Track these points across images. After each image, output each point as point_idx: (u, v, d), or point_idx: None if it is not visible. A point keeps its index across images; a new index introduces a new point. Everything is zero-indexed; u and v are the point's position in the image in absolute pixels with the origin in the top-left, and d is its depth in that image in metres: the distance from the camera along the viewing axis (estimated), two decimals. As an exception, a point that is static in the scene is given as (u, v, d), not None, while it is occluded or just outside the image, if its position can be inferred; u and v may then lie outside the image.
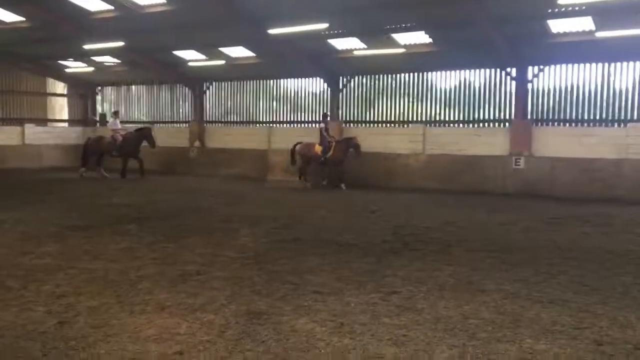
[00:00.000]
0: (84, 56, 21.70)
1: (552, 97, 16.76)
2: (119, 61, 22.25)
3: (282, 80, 21.55)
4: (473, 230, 9.44)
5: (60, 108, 26.15)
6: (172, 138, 21.88)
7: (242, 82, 22.11)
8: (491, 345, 4.05)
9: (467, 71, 17.66)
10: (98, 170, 18.98)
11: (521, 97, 16.47)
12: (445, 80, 18.30)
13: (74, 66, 23.79)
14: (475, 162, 16.56)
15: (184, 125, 23.17)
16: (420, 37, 16.11)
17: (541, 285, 5.78)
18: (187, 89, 23.02)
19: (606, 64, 15.65)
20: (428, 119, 18.64)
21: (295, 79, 21.01)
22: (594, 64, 15.77)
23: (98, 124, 25.76)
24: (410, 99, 18.96)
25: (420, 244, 7.97)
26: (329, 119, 17.97)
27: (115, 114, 20.31)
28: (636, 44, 13.92)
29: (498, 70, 16.92)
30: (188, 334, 4.18)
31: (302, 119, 21.11)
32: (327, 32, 15.79)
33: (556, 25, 14.26)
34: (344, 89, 19.67)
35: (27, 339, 4.08)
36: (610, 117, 15.84)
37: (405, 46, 16.61)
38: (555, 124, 16.65)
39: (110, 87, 26.08)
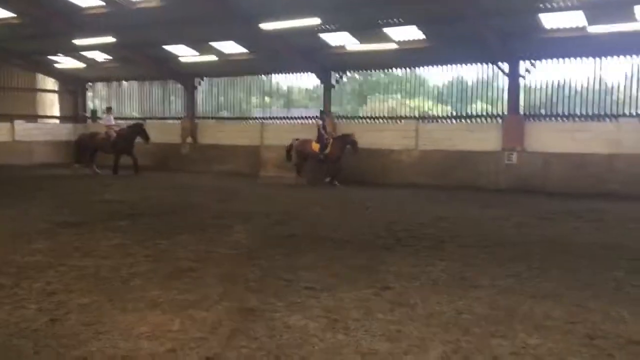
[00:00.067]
0: (75, 52, 21.55)
1: (544, 92, 16.83)
2: (110, 57, 22.11)
3: (274, 75, 21.50)
4: (466, 225, 9.45)
5: (51, 104, 25.97)
6: (164, 134, 21.77)
7: (234, 78, 22.04)
8: (485, 340, 4.05)
9: (460, 66, 17.68)
10: (90, 167, 18.88)
11: (513, 93, 16.53)
12: (438, 75, 18.32)
13: (65, 62, 23.62)
14: (468, 157, 16.59)
15: (176, 121, 23.07)
16: (412, 33, 16.11)
17: (534, 280, 5.79)
18: (178, 85, 22.92)
19: (598, 59, 15.73)
20: (421, 114, 18.67)
21: (288, 75, 20.97)
22: (585, 59, 15.83)
23: (89, 120, 25.66)
24: (403, 95, 18.97)
25: (413, 240, 7.97)
26: (326, 115, 17.92)
27: (109, 109, 20.15)
28: (627, 38, 13.99)
29: (490, 65, 16.95)
30: (181, 331, 4.15)
31: (295, 115, 21.08)
32: (319, 28, 15.76)
33: (548, 20, 14.29)
34: (337, 85, 19.64)
35: (19, 337, 4.04)
36: (602, 112, 15.92)
37: (397, 42, 16.60)
38: (548, 119, 16.72)
39: (101, 83, 25.94)
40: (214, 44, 19.10)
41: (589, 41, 14.43)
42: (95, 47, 20.19)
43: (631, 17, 13.28)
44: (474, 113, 17.89)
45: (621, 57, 15.42)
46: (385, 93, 19.36)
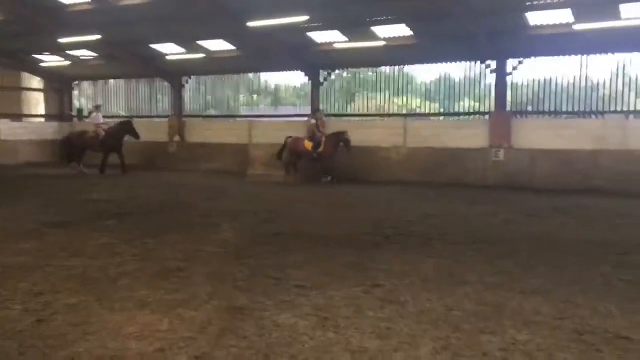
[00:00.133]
0: (60, 50, 21.34)
1: (531, 90, 16.94)
2: (96, 55, 21.92)
3: (262, 73, 21.45)
4: (454, 223, 9.48)
5: (37, 103, 25.69)
6: (151, 133, 21.59)
7: (222, 76, 21.96)
8: (475, 336, 4.06)
9: (448, 64, 17.74)
10: (80, 166, 18.78)
11: (500, 90, 16.62)
12: (425, 73, 18.38)
13: (50, 60, 23.39)
14: (455, 154, 16.66)
15: (164, 120, 22.93)
16: (401, 30, 16.12)
17: (522, 276, 5.82)
18: (166, 83, 22.78)
19: (584, 56, 15.86)
20: (409, 112, 18.71)
21: (276, 73, 20.93)
22: (572, 57, 15.95)
23: (75, 119, 25.44)
24: (391, 93, 19.01)
25: (402, 237, 7.99)
26: (319, 114, 17.88)
27: (98, 108, 19.92)
28: (613, 36, 14.10)
29: (478, 63, 17.02)
30: (169, 331, 4.13)
31: (283, 113, 21.05)
32: (307, 25, 15.73)
33: (535, 18, 14.37)
34: (325, 83, 19.62)
35: (4, 338, 3.99)
36: (588, 109, 16.06)
37: (385, 39, 16.61)
38: (535, 116, 16.84)
39: (87, 82, 25.72)
40: (202, 42, 19.00)
41: (574, 39, 14.53)
42: (81, 45, 19.99)
43: (616, 15, 13.38)
44: (462, 110, 17.97)
45: (607, 54, 15.57)
46: (373, 91, 19.37)
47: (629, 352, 3.80)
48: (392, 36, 16.50)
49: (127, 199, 12.07)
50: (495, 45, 15.58)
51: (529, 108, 17.06)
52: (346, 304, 4.80)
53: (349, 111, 19.90)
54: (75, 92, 26.25)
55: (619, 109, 15.73)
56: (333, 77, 19.67)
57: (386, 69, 18.85)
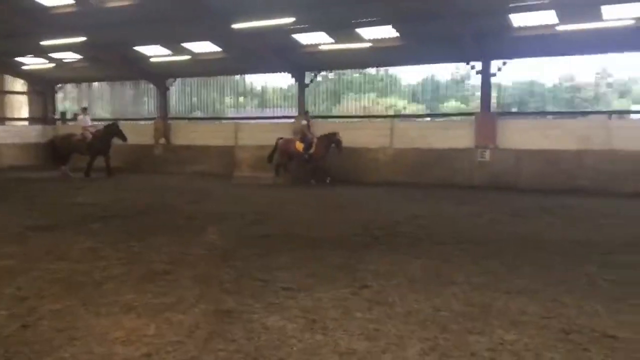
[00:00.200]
0: (44, 53, 21.11)
1: (516, 90, 17.08)
2: (80, 57, 21.72)
3: (248, 75, 21.40)
4: (441, 223, 9.52)
5: (20, 106, 25.39)
6: (136, 135, 21.38)
7: (207, 78, 21.87)
8: (462, 337, 4.08)
9: (433, 65, 17.82)
10: (64, 169, 18.61)
11: (486, 91, 16.71)
12: (411, 74, 18.47)
13: (33, 63, 23.12)
14: (442, 155, 16.73)
15: (149, 122, 22.78)
16: (386, 32, 16.16)
17: (508, 276, 5.85)
18: (151, 85, 22.64)
19: (567, 58, 16.02)
20: (395, 113, 18.76)
21: (262, 74, 20.90)
22: (555, 58, 16.10)
23: (59, 122, 25.19)
24: (377, 94, 19.06)
25: (390, 238, 8.00)
26: (308, 115, 17.83)
27: (84, 110, 19.76)
28: (595, 37, 14.25)
29: (463, 64, 17.12)
30: (156, 335, 4.09)
31: (269, 115, 21.01)
32: (293, 27, 15.71)
33: (518, 19, 14.48)
34: (311, 84, 19.62)
35: (-12, 345, 3.94)
36: (572, 110, 16.23)
37: (371, 40, 16.64)
38: (520, 116, 16.97)
39: (71, 85, 25.49)
40: (187, 44, 18.90)
41: (558, 40, 14.65)
42: (64, 48, 19.78)
43: (598, 16, 13.53)
44: (448, 111, 18.06)
45: (590, 55, 15.73)
46: (359, 92, 19.40)
47: (615, 350, 3.83)
48: (377, 37, 16.54)
49: (112, 202, 11.98)
50: (479, 46, 15.67)
51: (514, 109, 17.18)
52: (334, 305, 4.80)
53: (335, 112, 19.90)
54: (59, 95, 25.99)
55: (602, 109, 15.91)
56: (319, 78, 19.67)
57: (372, 70, 18.89)
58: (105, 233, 8.27)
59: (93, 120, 20.61)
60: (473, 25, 14.69)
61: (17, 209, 10.86)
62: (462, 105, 17.95)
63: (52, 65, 22.71)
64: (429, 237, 8.14)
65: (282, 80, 20.61)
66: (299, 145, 16.63)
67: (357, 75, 19.25)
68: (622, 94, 16.06)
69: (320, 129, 17.56)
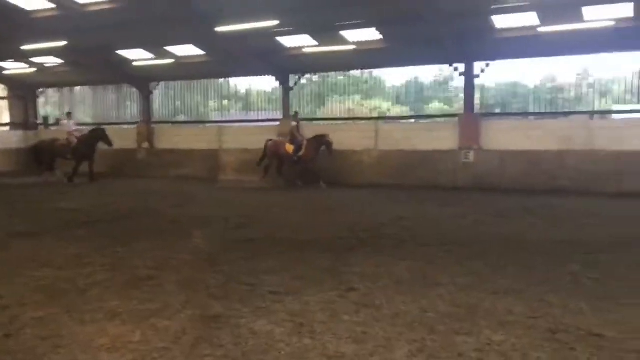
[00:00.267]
0: (24, 57, 20.86)
1: (499, 92, 17.22)
2: (61, 62, 21.50)
3: (232, 78, 21.34)
4: (425, 225, 9.56)
5: (0, 111, 25.09)
6: (119, 140, 21.20)
7: (191, 81, 21.77)
8: (450, 338, 4.09)
9: (417, 67, 17.90)
10: (45, 174, 18.42)
11: (469, 92, 16.81)
12: (395, 76, 18.54)
13: (13, 68, 22.83)
14: (426, 157, 16.79)
15: (132, 126, 22.60)
16: (370, 34, 16.21)
17: (494, 277, 5.88)
18: (133, 89, 22.47)
19: (549, 59, 16.19)
20: (380, 115, 18.82)
21: (246, 78, 20.85)
22: (537, 59, 16.26)
23: (41, 127, 24.91)
24: (362, 96, 19.11)
25: (375, 240, 8.02)
26: (296, 117, 17.78)
27: (69, 115, 19.57)
28: (576, 38, 14.41)
29: (447, 65, 17.21)
30: (142, 342, 4.05)
31: (254, 118, 20.96)
32: (277, 30, 15.69)
33: (501, 21, 14.60)
34: (295, 87, 19.60)
35: (-31, 355, 3.87)
36: (554, 110, 16.40)
37: (355, 43, 16.67)
38: (503, 118, 17.10)
39: (52, 89, 25.23)
40: (170, 47, 18.80)
41: (539, 41, 14.79)
42: (45, 52, 19.56)
43: (579, 18, 13.69)
44: (432, 113, 18.15)
45: (571, 56, 15.91)
46: (343, 94, 19.43)
47: (602, 349, 3.86)
48: (361, 40, 16.57)
49: (96, 207, 11.86)
50: (462, 48, 15.77)
51: (497, 110, 17.32)
52: (322, 308, 4.78)
53: (319, 115, 19.91)
54: (41, 100, 25.71)
55: (584, 109, 16.08)
56: (303, 81, 19.67)
57: (356, 73, 18.93)
58: (88, 239, 8.18)
59: (76, 125, 20.42)
60: (456, 28, 14.77)
61: (-1, 215, 10.73)
62: (446, 107, 18.06)
63: (33, 69, 22.42)
64: (413, 238, 8.16)
65: (267, 84, 20.59)
66: (289, 147, 16.58)
67: (342, 77, 19.27)
68: (603, 94, 16.25)
69: (306, 131, 17.54)
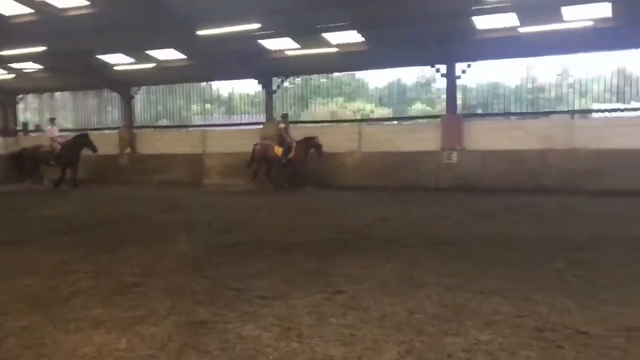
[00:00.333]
0: (3, 63, 20.59)
1: (480, 93, 17.35)
2: (41, 67, 21.24)
3: (215, 82, 21.26)
4: (410, 226, 9.58)
5: (-21, 118, 24.74)
6: (101, 145, 21.01)
7: (173, 85, 21.64)
8: (438, 338, 4.08)
9: (399, 69, 17.98)
10: (29, 181, 18.23)
11: (451, 93, 16.92)
12: (377, 78, 18.61)
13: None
14: (409, 158, 16.86)
15: (113, 131, 22.40)
16: (352, 36, 16.25)
17: (480, 276, 5.90)
18: (115, 94, 22.28)
19: (529, 59, 16.37)
20: (363, 117, 18.86)
21: (229, 81, 20.79)
22: (518, 59, 16.42)
23: (21, 133, 24.59)
24: (345, 98, 19.14)
25: (360, 242, 8.01)
26: (281, 120, 17.76)
27: (52, 121, 19.37)
28: (556, 38, 14.57)
29: (429, 67, 17.30)
30: (128, 350, 3.99)
31: (237, 121, 20.90)
32: (259, 33, 15.66)
33: (481, 22, 14.72)
34: (278, 90, 19.57)
35: (-50, 367, 3.80)
36: (534, 110, 16.57)
37: (337, 45, 16.70)
38: (484, 118, 17.24)
39: (32, 95, 24.92)
40: (151, 51, 18.67)
41: (520, 42, 14.95)
42: (25, 57, 19.35)
43: (559, 18, 13.84)
44: (414, 114, 18.23)
45: (551, 56, 16.09)
46: (326, 97, 19.45)
47: (588, 347, 3.89)
48: (343, 42, 16.61)
49: (79, 214, 11.74)
50: (444, 49, 15.88)
51: (479, 111, 17.46)
52: (309, 312, 4.76)
53: (303, 117, 19.90)
54: (20, 106, 25.38)
55: (564, 109, 16.27)
56: (286, 84, 19.64)
57: (339, 75, 18.96)
58: (72, 246, 8.07)
59: (59, 131, 20.21)
60: (437, 29, 14.87)
61: (-21, 223, 10.56)
62: (429, 108, 18.16)
63: (12, 75, 22.14)
64: (398, 240, 8.17)
65: (249, 87, 20.55)
66: (278, 150, 16.53)
67: (325, 80, 19.28)
68: (583, 94, 16.45)
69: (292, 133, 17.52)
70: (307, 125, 19.49)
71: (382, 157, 17.26)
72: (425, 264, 6.55)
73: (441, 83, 17.35)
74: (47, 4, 15.19)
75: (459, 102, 17.23)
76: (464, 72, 16.69)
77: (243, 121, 20.77)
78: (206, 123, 21.49)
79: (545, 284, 5.54)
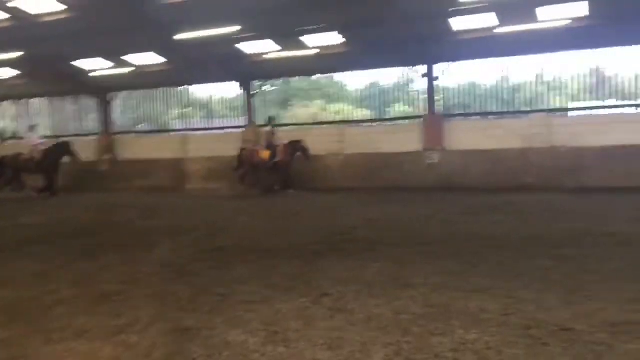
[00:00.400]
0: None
1: (459, 93, 17.48)
2: (17, 72, 20.91)
3: (194, 86, 21.13)
4: (393, 226, 9.59)
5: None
6: (80, 152, 20.84)
7: (151, 90, 21.46)
8: (425, 339, 4.08)
9: (379, 70, 18.04)
10: (6, 190, 17.97)
11: (431, 94, 17.02)
12: (357, 80, 18.64)
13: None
14: (392, 159, 16.94)
15: (92, 138, 22.14)
16: (332, 38, 16.26)
17: (465, 275, 5.92)
18: (93, 99, 22.03)
19: (506, 59, 16.54)
20: (344, 119, 18.88)
21: (208, 85, 20.68)
22: (495, 59, 16.58)
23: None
24: (326, 100, 19.16)
25: (345, 244, 7.99)
26: (274, 122, 17.69)
27: (32, 128, 19.11)
28: (531, 38, 14.74)
29: (408, 68, 17.38)
30: (112, 359, 3.93)
31: (218, 125, 20.80)
32: (239, 36, 15.59)
33: (459, 23, 14.82)
34: (259, 93, 19.51)
35: None
36: (513, 109, 16.75)
37: (317, 47, 16.70)
38: (464, 118, 17.37)
39: (7, 102, 24.55)
40: (129, 56, 18.49)
41: (497, 42, 15.09)
42: (0, 63, 19.05)
43: (534, 18, 14.00)
44: (395, 115, 18.30)
45: (527, 56, 16.28)
46: (307, 99, 19.44)
47: (574, 343, 3.91)
48: (323, 44, 16.61)
49: (59, 222, 11.57)
50: (423, 50, 15.97)
51: (459, 111, 17.59)
52: (295, 315, 4.73)
53: (284, 120, 19.86)
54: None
55: (542, 107, 16.46)
56: (267, 87, 19.60)
57: (319, 77, 18.97)
58: (52, 255, 7.93)
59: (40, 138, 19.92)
60: (416, 30, 14.95)
61: (-45, 234, 10.34)
62: (409, 109, 18.24)
63: (-14, 82, 21.82)
64: (383, 240, 8.16)
65: (230, 90, 20.45)
66: (265, 154, 16.48)
67: (305, 82, 19.28)
68: (560, 93, 16.66)
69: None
70: (289, 127, 19.44)
71: (365, 159, 17.31)
72: (411, 264, 6.55)
73: (421, 84, 17.45)
74: (22, 10, 14.95)
75: (440, 102, 17.33)
76: (443, 72, 16.79)
77: (224, 125, 20.65)
78: (187, 127, 21.33)
79: (531, 281, 5.56)
